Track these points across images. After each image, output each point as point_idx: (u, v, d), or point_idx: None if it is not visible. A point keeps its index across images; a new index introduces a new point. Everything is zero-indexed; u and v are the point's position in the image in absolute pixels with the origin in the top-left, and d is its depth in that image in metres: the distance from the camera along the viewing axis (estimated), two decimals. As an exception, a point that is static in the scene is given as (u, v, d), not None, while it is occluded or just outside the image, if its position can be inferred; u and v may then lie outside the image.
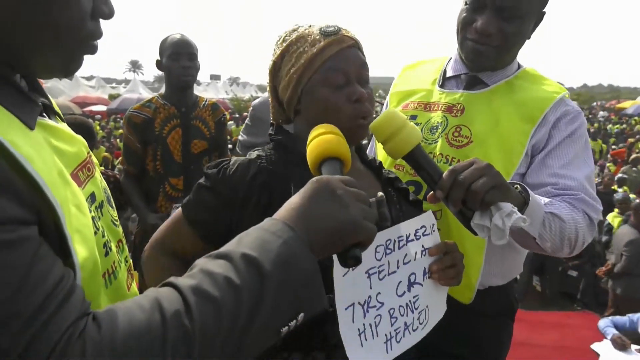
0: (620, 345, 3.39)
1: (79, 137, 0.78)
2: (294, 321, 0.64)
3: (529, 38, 1.38)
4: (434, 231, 1.06)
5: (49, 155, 0.64)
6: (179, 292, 0.57)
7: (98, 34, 0.67)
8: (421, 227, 1.03)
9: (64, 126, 0.76)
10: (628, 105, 28.64)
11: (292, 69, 1.05)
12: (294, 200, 0.71)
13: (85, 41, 0.66)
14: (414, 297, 1.01)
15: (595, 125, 19.12)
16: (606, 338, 3.51)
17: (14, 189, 0.54)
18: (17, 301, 0.50)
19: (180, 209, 1.10)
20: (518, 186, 1.11)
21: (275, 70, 1.11)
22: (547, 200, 1.21)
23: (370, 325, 0.92)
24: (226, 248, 0.64)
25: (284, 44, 1.08)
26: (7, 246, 0.51)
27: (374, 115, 1.08)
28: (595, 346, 3.49)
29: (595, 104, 38.24)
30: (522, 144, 1.30)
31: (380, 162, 1.19)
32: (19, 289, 0.51)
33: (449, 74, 1.48)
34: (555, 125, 1.32)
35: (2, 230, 0.51)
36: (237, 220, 0.99)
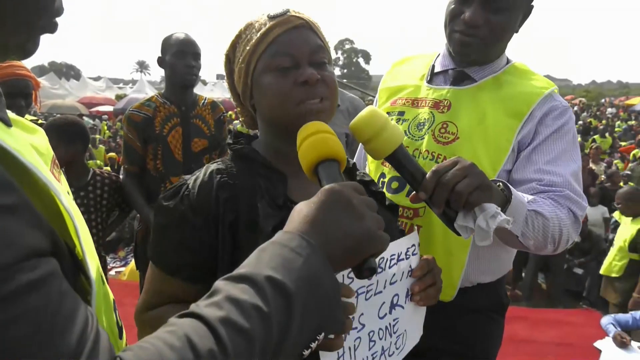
0: (621, 343, 3.37)
1: (39, 128, 0.72)
2: (315, 342, 0.62)
3: (516, 32, 1.37)
4: (417, 251, 1.02)
5: (35, 155, 0.58)
6: (207, 326, 0.53)
7: (62, 10, 0.61)
8: (412, 246, 0.98)
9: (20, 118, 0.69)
10: (637, 101, 28.29)
11: (241, 57, 0.97)
12: (307, 211, 0.67)
13: (52, 17, 0.60)
14: (394, 320, 0.96)
15: (604, 122, 18.95)
16: (608, 335, 3.50)
17: (28, 208, 0.46)
18: (48, 351, 0.43)
19: (150, 265, 0.98)
20: (500, 184, 1.10)
21: (230, 63, 1.03)
22: (530, 197, 1.19)
23: (350, 348, 0.86)
24: (247, 269, 0.59)
25: (235, 35, 1.00)
26: (30, 289, 0.43)
27: None
28: (598, 344, 3.47)
29: (603, 100, 37.86)
30: (509, 140, 1.29)
31: (354, 163, 1.12)
32: (49, 338, 0.44)
33: (437, 69, 1.47)
34: (542, 121, 1.31)
35: (23, 268, 0.43)
36: (217, 245, 0.91)
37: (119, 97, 26.94)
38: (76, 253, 0.54)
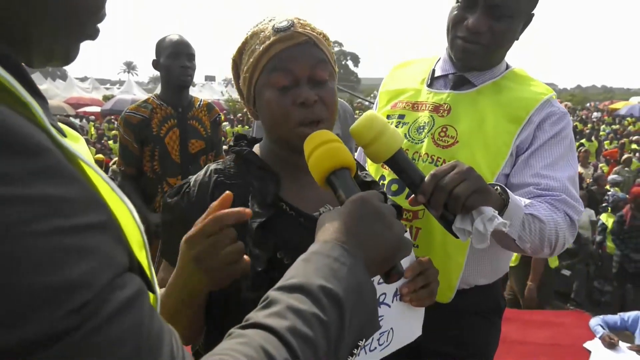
0: (609, 344, 3.42)
1: (80, 136, 0.70)
2: (358, 348, 0.64)
3: (517, 39, 1.39)
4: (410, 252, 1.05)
5: None
6: (277, 337, 0.53)
7: (104, 16, 0.59)
8: None
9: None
10: (620, 106, 28.78)
11: (245, 67, 0.99)
12: (340, 220, 0.69)
13: (96, 23, 0.58)
14: (378, 318, 0.99)
15: (589, 125, 19.21)
16: (596, 336, 3.54)
17: (114, 223, 0.45)
18: None
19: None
20: (498, 187, 1.11)
21: (237, 68, 1.06)
22: (527, 201, 1.21)
23: None
24: (298, 279, 0.60)
25: (242, 41, 1.02)
26: (126, 307, 0.41)
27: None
28: (588, 344, 3.52)
29: (589, 104, 38.41)
30: (507, 145, 1.31)
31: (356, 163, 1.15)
32: (148, 357, 0.42)
33: (438, 73, 1.48)
34: (540, 126, 1.32)
35: (119, 286, 0.41)
36: None
37: (106, 98, 26.71)
38: (144, 269, 0.52)
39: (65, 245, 0.38)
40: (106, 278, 0.40)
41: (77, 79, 35.87)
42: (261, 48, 0.95)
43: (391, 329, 1.01)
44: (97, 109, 23.39)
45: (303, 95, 0.92)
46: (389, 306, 1.00)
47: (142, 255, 0.51)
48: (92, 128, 17.10)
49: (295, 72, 0.93)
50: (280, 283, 0.61)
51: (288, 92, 0.93)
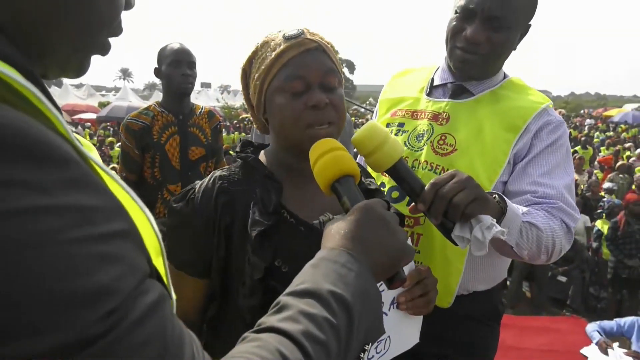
0: (606, 350, 3.44)
1: (91, 144, 0.70)
2: (364, 352, 0.64)
3: (514, 49, 1.41)
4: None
5: None
6: (291, 340, 0.54)
7: (120, 31, 0.59)
8: None
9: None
10: (614, 113, 29.05)
11: (256, 75, 1.01)
12: (347, 227, 0.71)
13: (111, 35, 0.58)
14: None
15: (584, 132, 19.31)
16: (593, 342, 3.57)
17: (135, 230, 0.46)
18: None
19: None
20: (496, 196, 1.13)
21: (246, 77, 1.08)
22: (525, 209, 1.23)
23: None
24: (307, 285, 0.61)
25: (252, 50, 1.05)
26: (151, 311, 0.42)
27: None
28: (584, 350, 3.54)
29: (582, 111, 38.70)
30: (505, 153, 1.33)
31: (361, 170, 1.14)
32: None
33: (436, 82, 1.50)
34: (537, 135, 1.35)
35: (143, 292, 0.42)
36: (216, 245, 0.98)
37: (102, 105, 26.63)
38: (161, 275, 0.52)
39: (93, 253, 0.39)
40: (131, 284, 0.41)
41: (72, 85, 35.71)
42: (273, 55, 0.97)
43: (388, 337, 1.02)
44: (92, 115, 23.30)
45: (315, 99, 0.94)
46: (386, 314, 1.01)
47: (159, 262, 0.52)
48: (88, 135, 17.03)
49: (308, 78, 0.96)
50: (290, 288, 0.62)
51: (300, 97, 0.96)
